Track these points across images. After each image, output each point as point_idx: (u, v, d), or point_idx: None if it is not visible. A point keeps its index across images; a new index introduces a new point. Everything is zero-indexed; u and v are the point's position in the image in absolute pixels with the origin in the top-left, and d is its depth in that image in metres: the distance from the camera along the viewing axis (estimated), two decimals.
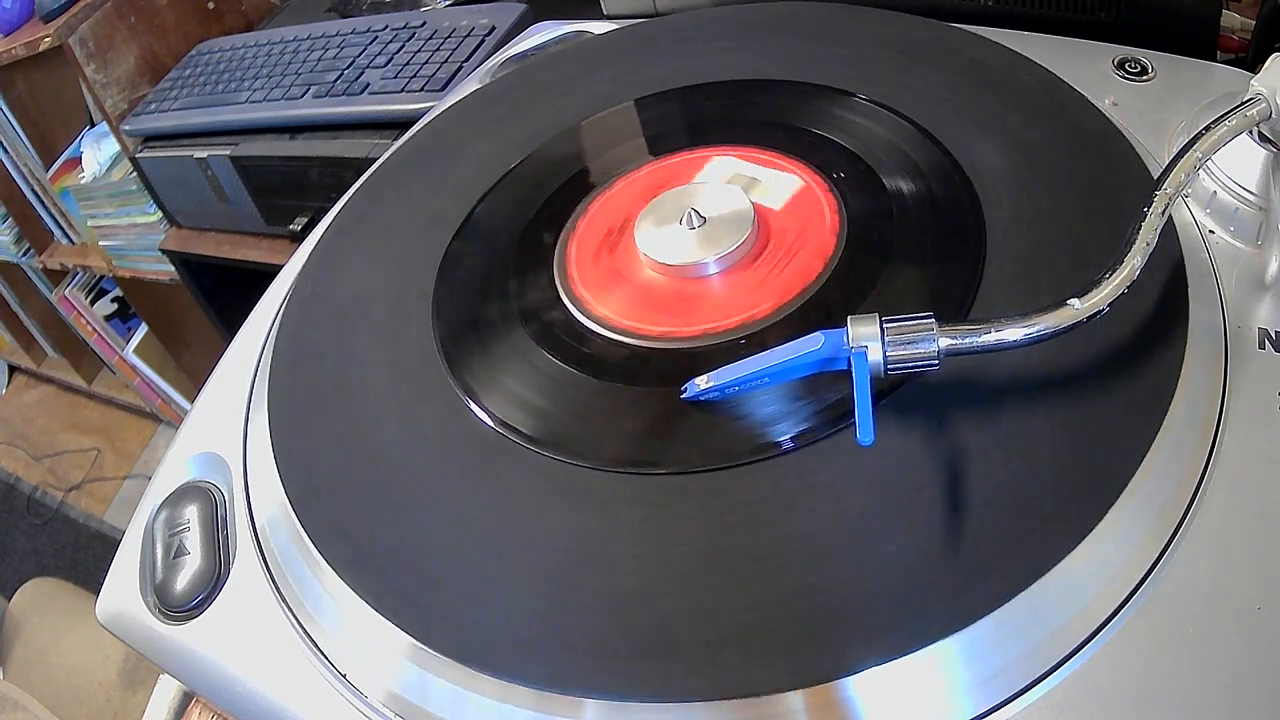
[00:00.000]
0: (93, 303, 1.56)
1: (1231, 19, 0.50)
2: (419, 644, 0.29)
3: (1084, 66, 0.42)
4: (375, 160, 0.53)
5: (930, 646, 0.26)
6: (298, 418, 0.39)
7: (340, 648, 0.32)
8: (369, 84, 0.82)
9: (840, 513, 0.29)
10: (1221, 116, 0.32)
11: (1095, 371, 0.31)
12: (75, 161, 1.26)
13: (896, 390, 0.32)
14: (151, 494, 0.40)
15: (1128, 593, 0.26)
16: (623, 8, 0.62)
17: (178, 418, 1.65)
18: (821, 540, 0.29)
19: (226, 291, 1.14)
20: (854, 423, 0.27)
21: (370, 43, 0.86)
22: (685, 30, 0.53)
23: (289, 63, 0.90)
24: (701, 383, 0.33)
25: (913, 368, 0.29)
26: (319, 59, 0.88)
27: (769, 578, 0.28)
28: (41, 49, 1.06)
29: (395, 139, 0.57)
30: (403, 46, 0.84)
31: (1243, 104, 0.33)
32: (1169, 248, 0.33)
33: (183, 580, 0.35)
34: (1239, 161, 0.35)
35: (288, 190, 0.88)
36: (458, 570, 0.31)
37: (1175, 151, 0.32)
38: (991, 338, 0.29)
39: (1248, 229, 0.35)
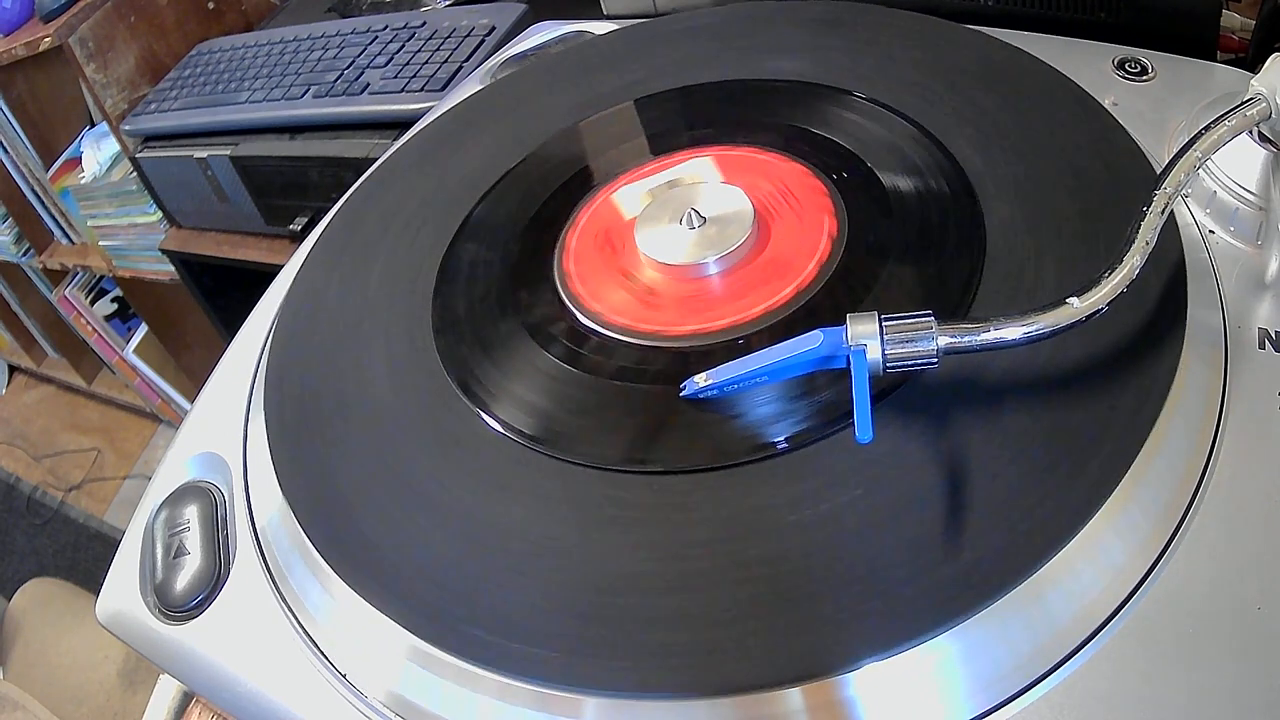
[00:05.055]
0: (93, 303, 1.56)
1: (1231, 19, 0.50)
2: (419, 640, 0.29)
3: (1084, 66, 0.42)
4: (375, 160, 0.53)
5: (929, 643, 0.26)
6: (295, 419, 0.39)
7: (340, 648, 0.32)
8: (369, 84, 0.82)
9: (839, 510, 0.29)
10: (1221, 116, 0.32)
11: (1094, 370, 0.31)
12: (75, 161, 1.26)
13: (896, 389, 0.32)
14: (151, 494, 0.40)
15: (1128, 593, 0.26)
16: (623, 8, 0.62)
17: (178, 418, 1.65)
18: (820, 537, 0.29)
19: (226, 291, 1.14)
20: (853, 421, 0.27)
21: (370, 43, 0.86)
22: (685, 30, 0.53)
23: (289, 63, 0.90)
24: (700, 381, 0.33)
25: (912, 366, 0.29)
26: (319, 59, 0.88)
27: (768, 575, 0.28)
28: (41, 49, 1.06)
29: (395, 139, 0.57)
30: (403, 46, 0.84)
31: (1243, 104, 0.33)
32: (1169, 247, 0.33)
33: (183, 580, 0.35)
34: (1239, 161, 0.35)
35: (288, 190, 0.88)
36: (456, 567, 0.31)
37: (1175, 151, 0.32)
38: (990, 336, 0.29)
39: (1248, 229, 0.35)
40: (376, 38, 0.87)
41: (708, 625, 0.28)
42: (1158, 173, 0.32)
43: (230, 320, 1.15)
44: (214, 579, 0.35)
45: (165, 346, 1.50)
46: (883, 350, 0.29)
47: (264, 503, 0.37)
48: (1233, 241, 0.35)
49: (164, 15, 1.09)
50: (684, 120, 0.47)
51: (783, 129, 0.44)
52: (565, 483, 0.32)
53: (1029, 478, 0.28)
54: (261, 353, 0.44)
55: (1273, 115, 0.33)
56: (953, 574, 0.27)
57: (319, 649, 0.32)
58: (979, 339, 0.29)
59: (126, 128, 1.03)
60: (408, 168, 0.51)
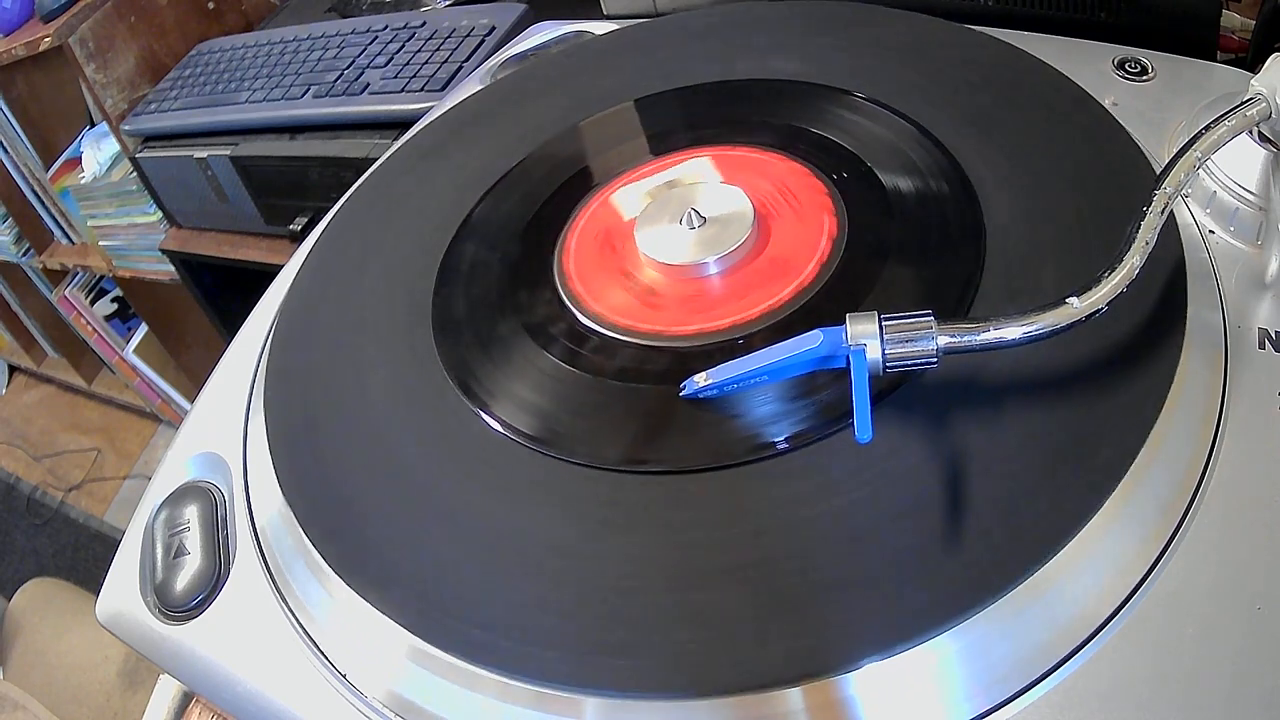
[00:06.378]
0: (93, 303, 1.56)
1: (1231, 19, 0.50)
2: (418, 640, 0.29)
3: (1084, 66, 0.42)
4: (375, 160, 0.53)
5: (929, 642, 0.26)
6: (295, 419, 0.39)
7: (340, 648, 0.32)
8: (369, 84, 0.82)
9: (839, 510, 0.29)
10: (1221, 116, 0.32)
11: (1094, 370, 0.31)
12: (75, 161, 1.26)
13: (895, 389, 0.32)
14: (151, 494, 0.40)
15: (1128, 592, 0.26)
16: (623, 8, 0.62)
17: (178, 418, 1.65)
18: (820, 537, 0.29)
19: (226, 291, 1.15)
20: (852, 421, 0.27)
21: (370, 43, 0.86)
22: (685, 30, 0.53)
23: (289, 63, 0.90)
24: (700, 380, 0.33)
25: (911, 366, 0.29)
26: (319, 59, 0.88)
27: (767, 575, 0.28)
28: (41, 49, 1.06)
29: (395, 139, 0.57)
30: (403, 46, 0.84)
31: (1243, 104, 0.33)
32: (1168, 247, 0.33)
33: (183, 580, 0.35)
34: (1239, 161, 0.35)
35: (288, 190, 0.88)
36: (456, 567, 0.31)
37: (1175, 151, 0.32)
38: (990, 336, 0.29)
39: (1248, 229, 0.35)
40: (376, 38, 0.87)
41: (706, 625, 0.28)
42: (1157, 173, 0.32)
43: (230, 320, 1.15)
44: (214, 579, 0.35)
45: (165, 346, 1.50)
46: (882, 350, 0.29)
47: (264, 503, 0.37)
48: (1233, 241, 0.35)
49: (164, 15, 1.09)
50: (684, 120, 0.47)
51: (782, 129, 0.44)
52: (564, 483, 0.32)
53: (1029, 478, 0.28)
54: (261, 353, 0.44)
55: (1273, 115, 0.33)
56: (953, 574, 0.27)
57: (319, 649, 0.32)
58: (979, 339, 0.29)
59: (126, 128, 1.03)
60: (407, 168, 0.51)
